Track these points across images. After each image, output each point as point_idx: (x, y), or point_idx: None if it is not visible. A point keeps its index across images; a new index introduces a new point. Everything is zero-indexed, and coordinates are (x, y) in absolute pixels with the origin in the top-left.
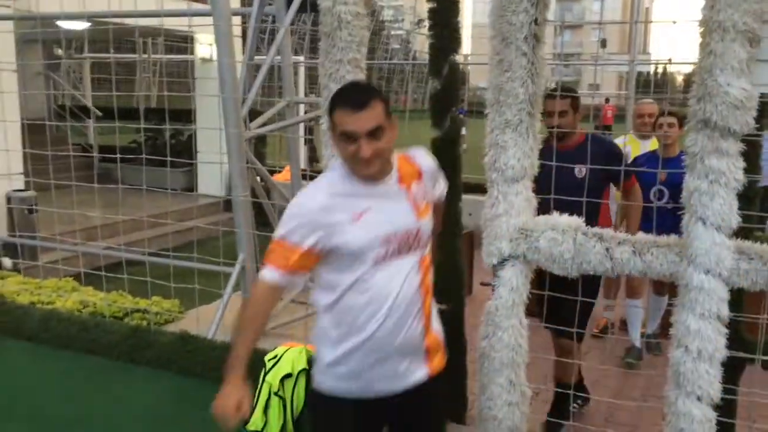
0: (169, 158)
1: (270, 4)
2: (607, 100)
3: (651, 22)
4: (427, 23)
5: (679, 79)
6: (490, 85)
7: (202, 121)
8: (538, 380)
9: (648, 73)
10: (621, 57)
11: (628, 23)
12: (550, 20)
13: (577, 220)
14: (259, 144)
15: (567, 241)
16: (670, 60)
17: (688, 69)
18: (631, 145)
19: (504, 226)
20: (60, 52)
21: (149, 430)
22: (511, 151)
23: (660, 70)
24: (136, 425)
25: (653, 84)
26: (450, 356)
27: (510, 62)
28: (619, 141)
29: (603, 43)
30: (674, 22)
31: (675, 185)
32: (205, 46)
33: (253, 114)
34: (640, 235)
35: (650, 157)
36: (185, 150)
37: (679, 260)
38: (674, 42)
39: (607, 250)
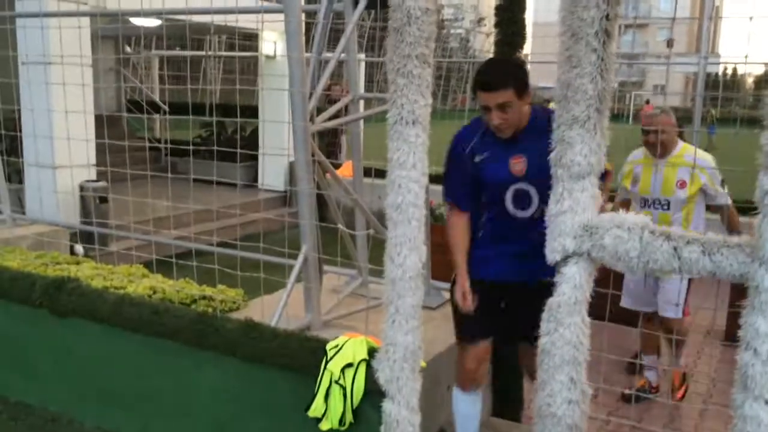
0: (238, 151)
1: (339, 1)
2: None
3: (724, 17)
4: (487, 22)
5: (750, 81)
6: (558, 81)
7: (265, 117)
8: (597, 381)
9: (716, 74)
10: (689, 57)
11: (699, 19)
12: (623, 17)
13: (645, 218)
14: (320, 140)
15: (633, 239)
16: (746, 58)
17: (759, 70)
18: (642, 165)
19: (569, 223)
20: (128, 49)
21: (214, 409)
22: (578, 147)
23: (729, 71)
24: (202, 405)
25: (722, 85)
26: (506, 355)
27: (579, 58)
28: (636, 155)
29: (670, 43)
30: (750, 19)
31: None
32: (269, 43)
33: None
34: (710, 235)
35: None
36: (248, 145)
37: (750, 261)
38: (746, 42)
39: (675, 249)
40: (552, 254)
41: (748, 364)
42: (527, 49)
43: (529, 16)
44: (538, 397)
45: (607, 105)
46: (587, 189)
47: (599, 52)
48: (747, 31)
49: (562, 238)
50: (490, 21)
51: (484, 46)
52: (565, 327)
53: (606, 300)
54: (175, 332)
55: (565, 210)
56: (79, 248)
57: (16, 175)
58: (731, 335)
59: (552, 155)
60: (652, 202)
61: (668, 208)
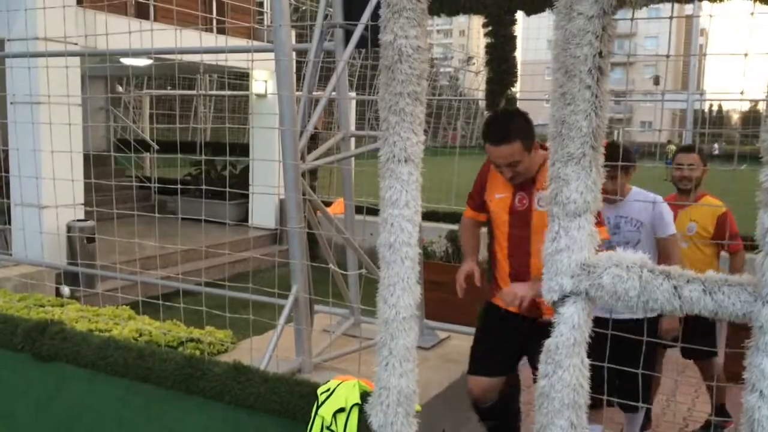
0: (227, 190)
1: (329, 40)
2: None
3: (718, 54)
4: (476, 61)
5: (735, 117)
6: (552, 118)
7: (256, 155)
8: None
9: (703, 111)
10: (677, 94)
11: (693, 56)
12: (617, 53)
13: (643, 257)
14: (310, 177)
15: (632, 278)
16: (742, 93)
17: (745, 107)
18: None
19: (565, 262)
20: (120, 88)
21: None
22: (573, 185)
23: (715, 107)
24: None
25: (708, 122)
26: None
27: (573, 95)
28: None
29: (656, 80)
30: (745, 55)
31: None
32: (259, 82)
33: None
34: (711, 273)
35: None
36: (238, 183)
37: (753, 300)
38: (729, 78)
39: (675, 288)
40: (549, 294)
41: (755, 407)
42: (516, 87)
43: (518, 55)
44: None
45: (602, 142)
46: (584, 227)
47: (593, 89)
48: (738, 68)
49: (559, 278)
50: (479, 60)
51: (473, 84)
52: (564, 369)
53: None
54: (161, 377)
55: (562, 248)
56: (65, 289)
57: (1, 216)
58: (730, 375)
59: (547, 193)
60: None
61: None
